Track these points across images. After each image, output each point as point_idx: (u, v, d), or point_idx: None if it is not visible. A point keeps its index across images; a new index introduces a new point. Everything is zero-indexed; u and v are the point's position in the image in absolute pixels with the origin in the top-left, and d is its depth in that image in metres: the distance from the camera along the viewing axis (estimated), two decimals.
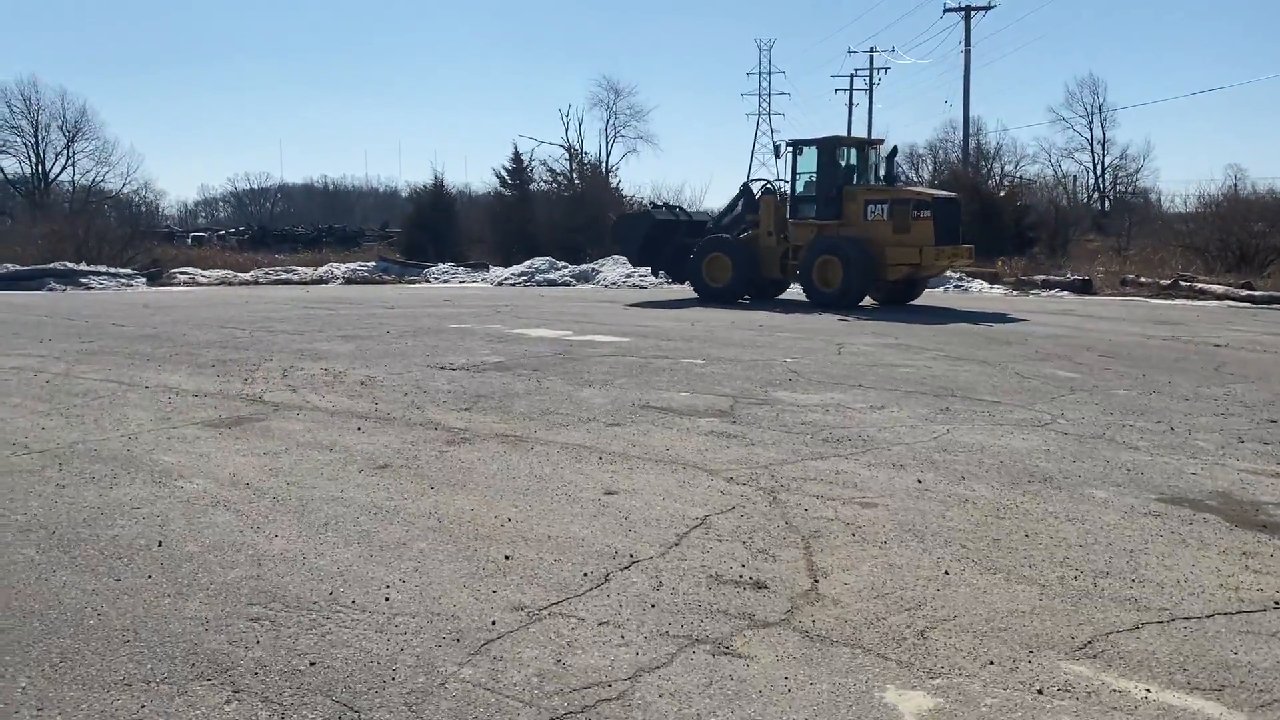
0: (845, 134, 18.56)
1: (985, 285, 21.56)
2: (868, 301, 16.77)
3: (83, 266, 22.53)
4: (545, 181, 32.06)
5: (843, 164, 17.26)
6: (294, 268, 26.03)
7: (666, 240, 18.85)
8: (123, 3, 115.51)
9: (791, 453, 5.59)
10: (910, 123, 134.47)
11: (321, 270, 25.51)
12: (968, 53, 43.64)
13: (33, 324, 13.12)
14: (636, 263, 21.10)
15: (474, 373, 8.56)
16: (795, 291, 18.07)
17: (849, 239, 16.38)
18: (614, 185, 34.87)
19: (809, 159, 17.37)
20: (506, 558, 3.84)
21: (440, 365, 8.99)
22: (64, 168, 54.07)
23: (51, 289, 20.99)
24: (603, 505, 4.55)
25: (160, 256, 25.95)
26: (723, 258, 17.73)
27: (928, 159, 60.25)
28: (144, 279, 22.97)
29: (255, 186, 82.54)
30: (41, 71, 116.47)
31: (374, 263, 26.39)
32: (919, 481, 4.97)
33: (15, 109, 52.33)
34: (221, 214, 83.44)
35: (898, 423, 6.47)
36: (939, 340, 11.42)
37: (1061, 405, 7.14)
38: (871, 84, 62.95)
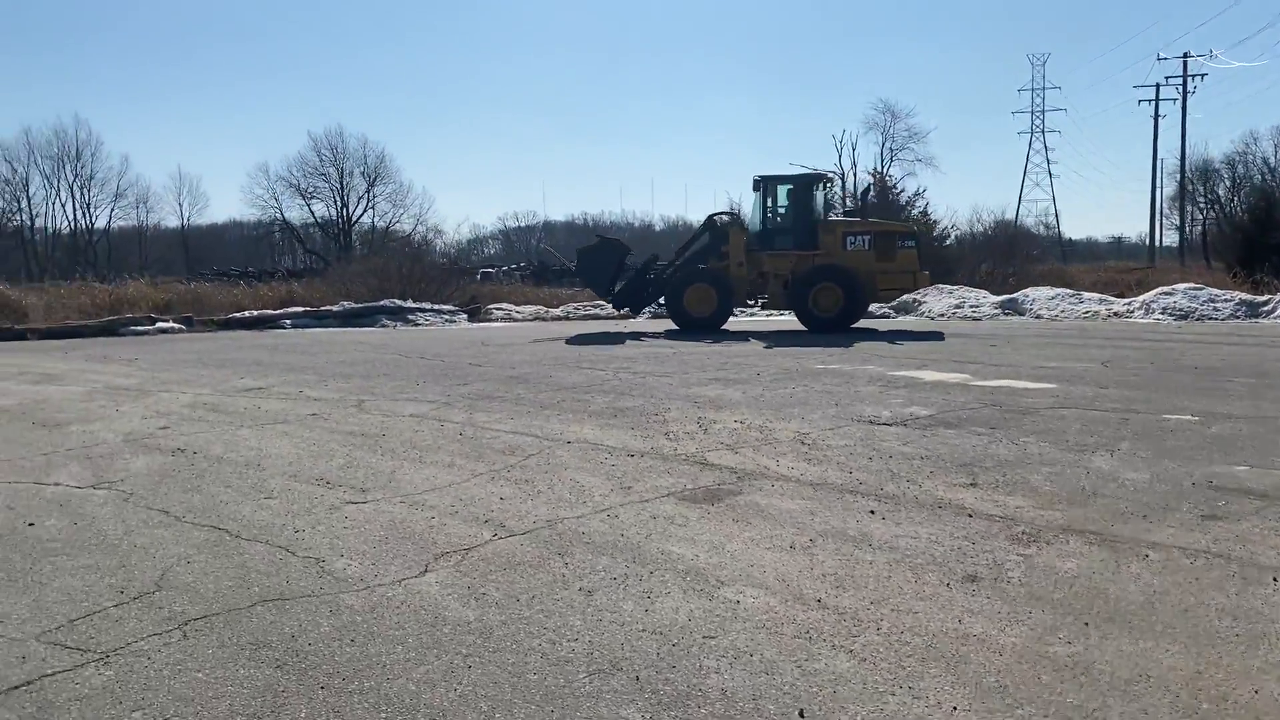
0: (835, 170, 19.81)
1: None
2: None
3: (410, 303, 23.38)
4: (846, 209, 30.59)
5: (809, 198, 17.97)
6: (600, 303, 25.91)
7: (625, 272, 19.08)
8: (411, 62, 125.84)
9: None
10: (1216, 134, 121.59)
11: None
12: None
13: (390, 363, 13.15)
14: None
15: (915, 429, 7.17)
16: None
17: (841, 268, 17.01)
18: (920, 210, 32.88)
19: (779, 193, 18.11)
20: None
21: (864, 419, 7.68)
22: (364, 210, 58.82)
23: (383, 325, 21.84)
24: None
25: (477, 293, 26.70)
26: (707, 288, 17.93)
27: (1224, 174, 52.95)
28: (464, 315, 23.56)
29: (522, 225, 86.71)
30: (345, 121, 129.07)
31: None
32: None
33: (325, 158, 57.57)
34: (489, 250, 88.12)
35: None
36: None
37: None
38: (1185, 92, 56.87)
